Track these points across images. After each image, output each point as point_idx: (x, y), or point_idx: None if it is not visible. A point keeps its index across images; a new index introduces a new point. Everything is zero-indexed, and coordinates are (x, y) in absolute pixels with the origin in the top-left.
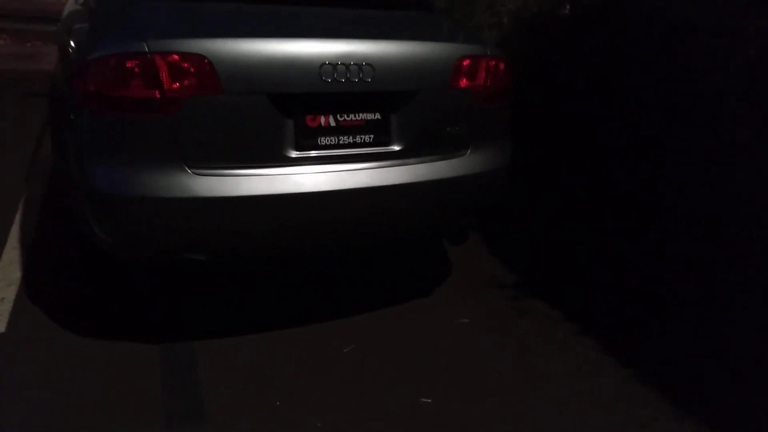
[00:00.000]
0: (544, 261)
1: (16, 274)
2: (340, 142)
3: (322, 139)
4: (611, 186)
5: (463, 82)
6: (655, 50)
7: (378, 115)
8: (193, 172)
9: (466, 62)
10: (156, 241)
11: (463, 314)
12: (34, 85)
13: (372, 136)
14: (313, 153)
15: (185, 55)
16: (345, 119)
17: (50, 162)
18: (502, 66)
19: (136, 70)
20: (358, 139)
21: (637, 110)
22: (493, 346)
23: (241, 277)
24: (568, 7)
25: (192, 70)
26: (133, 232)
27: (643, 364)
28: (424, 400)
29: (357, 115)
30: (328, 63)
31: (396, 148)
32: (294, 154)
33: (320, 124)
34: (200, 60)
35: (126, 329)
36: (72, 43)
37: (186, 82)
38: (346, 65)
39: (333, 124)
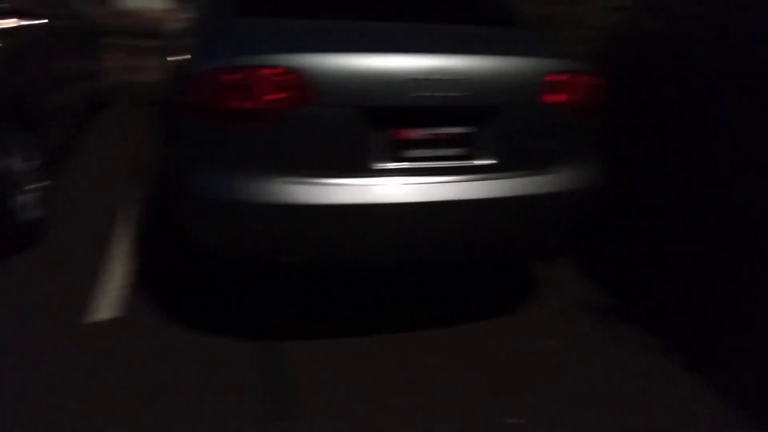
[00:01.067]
0: (641, 284)
1: (122, 269)
2: (428, 154)
3: (410, 151)
4: (713, 207)
5: (551, 97)
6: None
7: (465, 129)
8: (286, 180)
9: (554, 77)
10: (250, 243)
11: (551, 336)
12: (141, 95)
13: (459, 149)
14: (401, 165)
15: (281, 70)
16: (433, 132)
17: (154, 166)
18: (592, 81)
19: (236, 83)
20: (444, 153)
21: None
22: (585, 372)
23: (332, 286)
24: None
25: (288, 83)
26: (231, 234)
27: (757, 403)
28: (511, 421)
29: (445, 128)
30: (418, 77)
31: (483, 162)
32: (382, 165)
33: (409, 136)
34: (296, 74)
35: (223, 327)
36: (177, 58)
37: (282, 94)
38: (435, 80)
39: (421, 137)
